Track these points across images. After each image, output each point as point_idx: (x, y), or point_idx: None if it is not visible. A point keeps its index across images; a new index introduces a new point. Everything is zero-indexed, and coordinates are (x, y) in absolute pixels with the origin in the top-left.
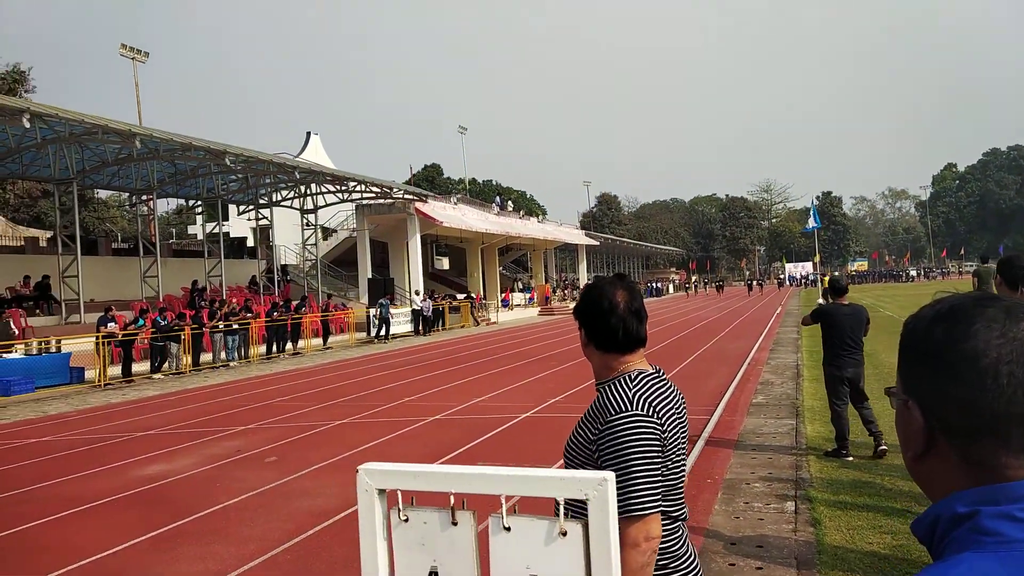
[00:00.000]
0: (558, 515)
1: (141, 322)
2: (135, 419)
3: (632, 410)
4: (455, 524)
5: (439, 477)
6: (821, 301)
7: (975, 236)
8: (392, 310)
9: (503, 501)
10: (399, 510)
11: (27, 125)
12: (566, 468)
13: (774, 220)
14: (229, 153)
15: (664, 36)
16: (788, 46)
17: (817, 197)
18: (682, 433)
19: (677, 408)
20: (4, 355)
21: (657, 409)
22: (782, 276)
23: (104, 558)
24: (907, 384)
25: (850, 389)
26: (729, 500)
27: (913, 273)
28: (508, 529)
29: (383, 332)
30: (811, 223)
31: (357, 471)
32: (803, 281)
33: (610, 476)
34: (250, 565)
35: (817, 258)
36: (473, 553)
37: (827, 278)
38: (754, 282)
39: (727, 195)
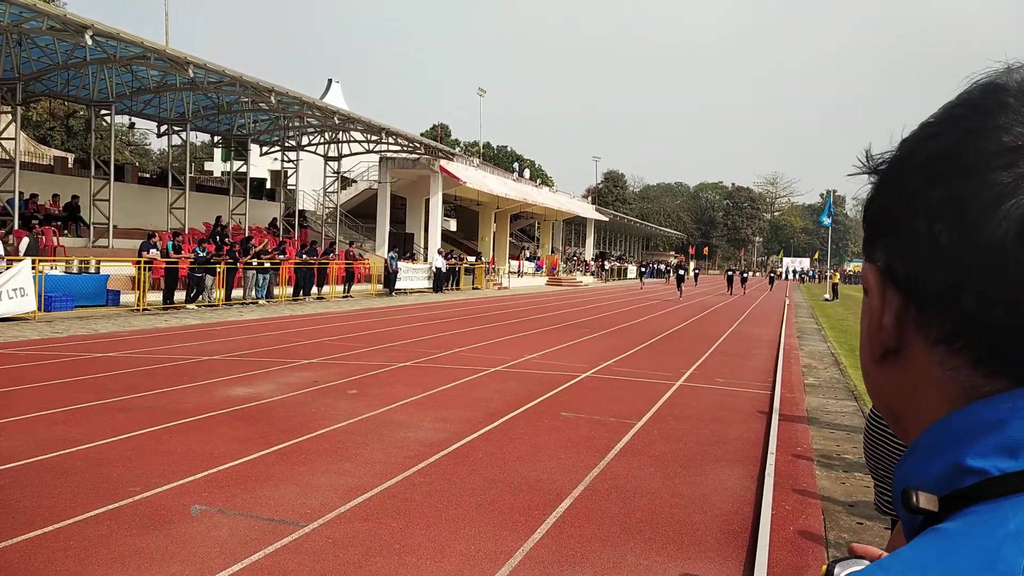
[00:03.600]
0: None
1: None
2: (191, 344)
3: None
4: None
5: None
6: (827, 296)
7: None
8: (408, 264)
9: None
10: None
11: (89, 43)
12: None
13: (776, 213)
14: (276, 92)
15: (682, 25)
16: (801, 44)
17: (821, 195)
18: None
19: None
20: (48, 271)
21: None
22: (778, 270)
23: (239, 465)
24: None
25: None
26: (828, 467)
27: None
28: None
29: (392, 285)
30: (826, 219)
31: None
32: (802, 276)
33: None
34: (390, 482)
35: (816, 255)
36: None
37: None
38: (734, 273)
39: (733, 184)
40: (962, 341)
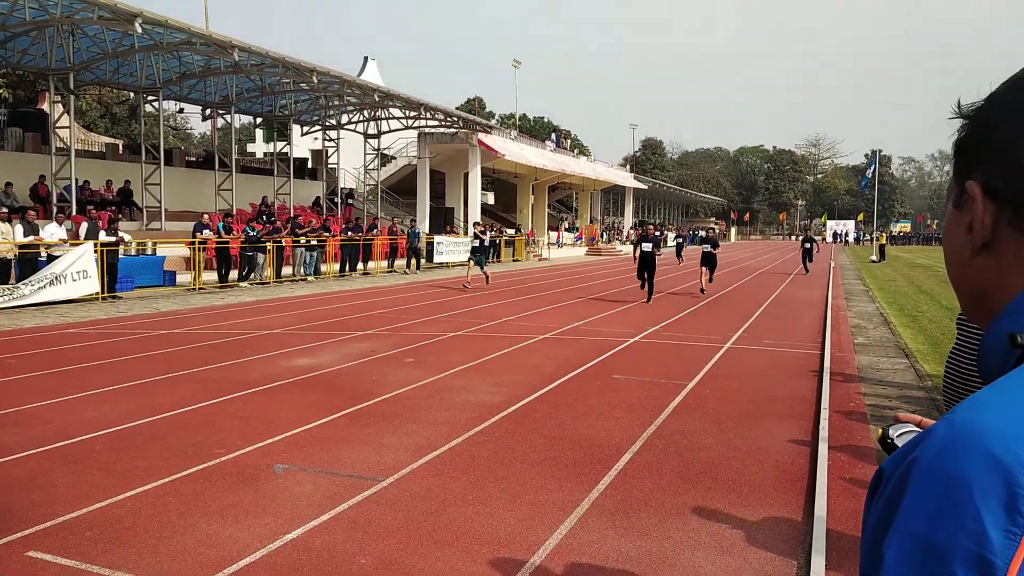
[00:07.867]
0: None
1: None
2: (250, 319)
3: None
4: None
5: None
6: (873, 258)
7: None
8: (448, 238)
9: None
10: None
11: (139, 31)
12: None
13: (820, 176)
14: (317, 71)
15: None
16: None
17: (866, 155)
18: None
19: None
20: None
21: None
22: (809, 233)
23: (312, 428)
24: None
25: None
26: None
27: None
28: None
29: (416, 262)
30: (867, 181)
31: None
32: (843, 239)
33: None
34: (456, 441)
35: (860, 217)
36: None
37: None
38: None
39: (774, 147)
40: None
